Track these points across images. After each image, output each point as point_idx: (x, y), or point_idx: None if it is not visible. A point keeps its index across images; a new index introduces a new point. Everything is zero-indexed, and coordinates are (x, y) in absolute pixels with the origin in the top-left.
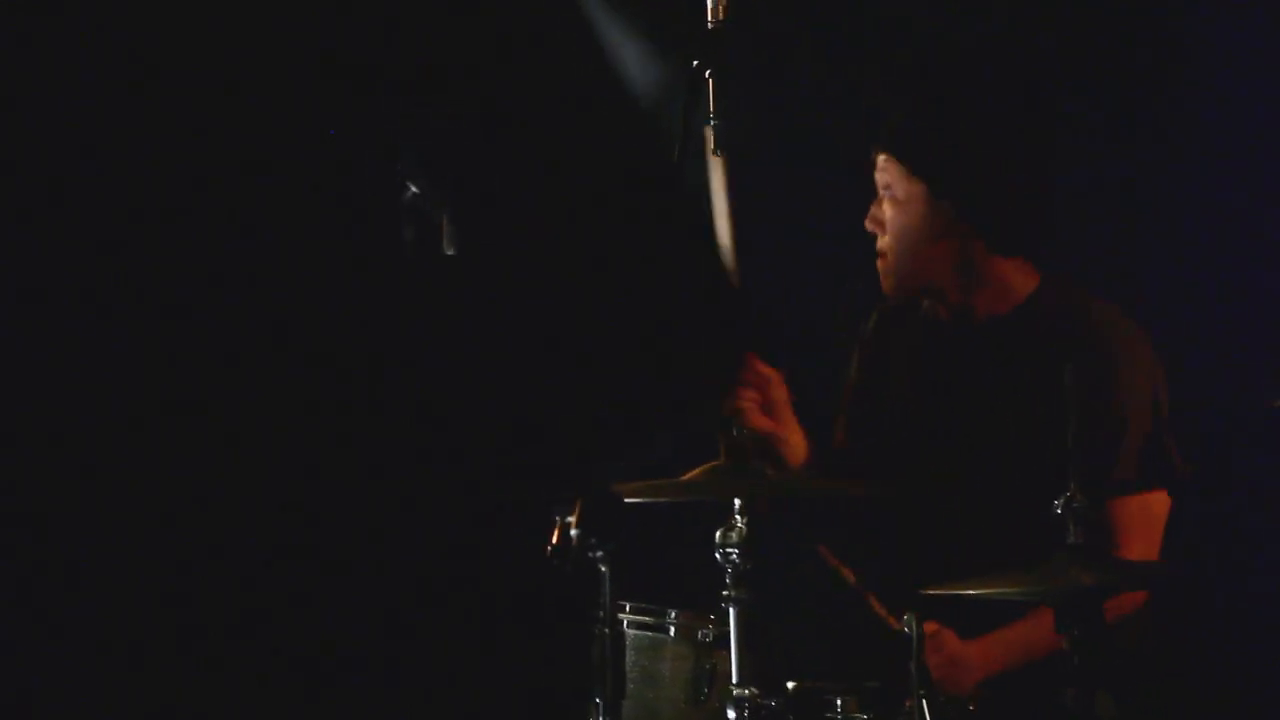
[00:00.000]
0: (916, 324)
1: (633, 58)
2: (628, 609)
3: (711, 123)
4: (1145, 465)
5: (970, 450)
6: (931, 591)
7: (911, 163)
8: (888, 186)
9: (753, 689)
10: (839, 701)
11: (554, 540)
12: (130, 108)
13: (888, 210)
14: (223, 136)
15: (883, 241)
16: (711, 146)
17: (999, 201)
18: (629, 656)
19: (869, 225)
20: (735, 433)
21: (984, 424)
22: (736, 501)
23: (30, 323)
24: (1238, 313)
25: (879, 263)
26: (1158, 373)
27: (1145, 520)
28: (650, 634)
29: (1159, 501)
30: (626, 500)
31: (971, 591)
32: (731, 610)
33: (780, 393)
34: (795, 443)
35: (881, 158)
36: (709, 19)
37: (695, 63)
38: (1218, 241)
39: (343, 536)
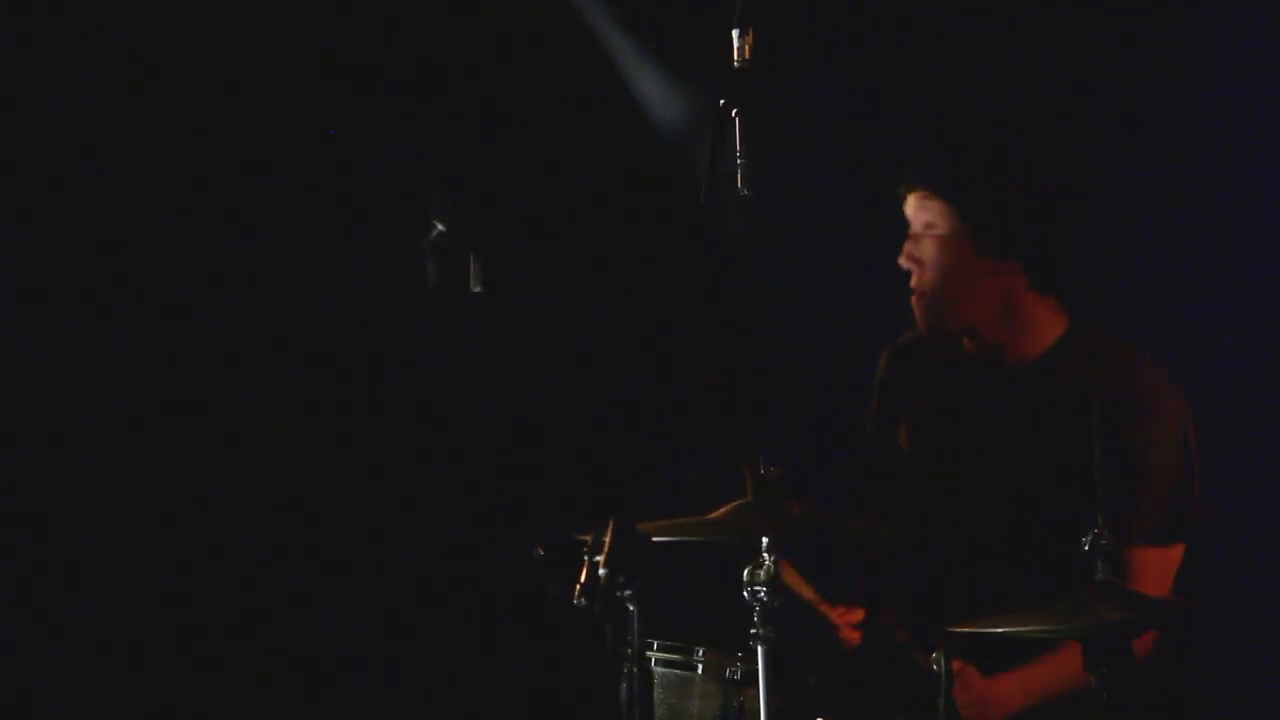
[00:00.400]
0: (931, 356)
1: (658, 92)
2: (655, 646)
3: (738, 161)
4: (1170, 518)
5: (993, 489)
6: (959, 630)
7: (961, 204)
8: (930, 225)
9: None
10: None
11: (582, 579)
12: (130, 108)
13: (929, 248)
14: (223, 136)
15: (921, 279)
16: (738, 185)
17: (1044, 237)
18: (657, 694)
19: (905, 263)
20: (762, 470)
21: (1009, 464)
22: (764, 540)
23: (30, 323)
24: (1240, 321)
25: (915, 300)
26: (1187, 422)
27: (1160, 570)
28: (678, 672)
29: (1176, 553)
30: (654, 539)
31: (999, 629)
32: (759, 648)
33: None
34: None
35: (917, 195)
36: (735, 59)
37: (722, 102)
38: (1221, 254)
39: (343, 536)
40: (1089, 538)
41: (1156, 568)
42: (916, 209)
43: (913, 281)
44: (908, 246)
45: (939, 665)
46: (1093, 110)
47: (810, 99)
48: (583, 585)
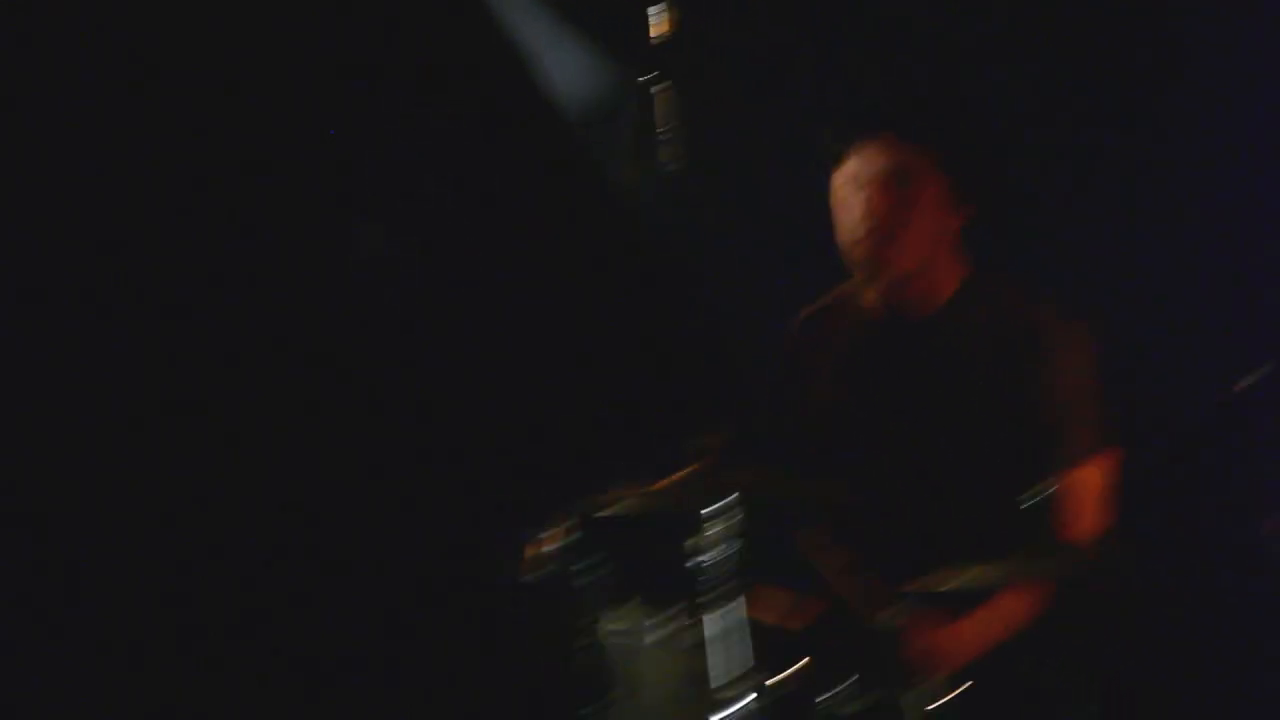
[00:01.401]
0: (839, 321)
1: (577, 67)
2: (609, 617)
3: (659, 136)
4: (1085, 443)
5: (915, 440)
6: (907, 589)
7: (944, 151)
8: (902, 171)
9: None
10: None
11: (535, 551)
12: (130, 108)
13: (906, 196)
14: (223, 136)
15: (886, 224)
16: (661, 159)
17: (1000, 179)
18: (610, 665)
19: (860, 210)
20: (706, 439)
21: (931, 410)
22: (709, 508)
23: (30, 323)
24: (1205, 298)
25: (868, 246)
26: (1091, 346)
27: (1092, 489)
28: (630, 642)
29: (1101, 471)
30: (604, 510)
31: (944, 587)
32: (708, 616)
33: None
34: None
35: (886, 141)
36: (653, 33)
37: (643, 77)
38: (1220, 254)
39: (343, 536)
40: (1031, 494)
41: (1087, 487)
42: (880, 154)
43: (866, 228)
44: (869, 192)
45: (889, 626)
46: (1092, 110)
47: (810, 98)
48: (534, 560)
